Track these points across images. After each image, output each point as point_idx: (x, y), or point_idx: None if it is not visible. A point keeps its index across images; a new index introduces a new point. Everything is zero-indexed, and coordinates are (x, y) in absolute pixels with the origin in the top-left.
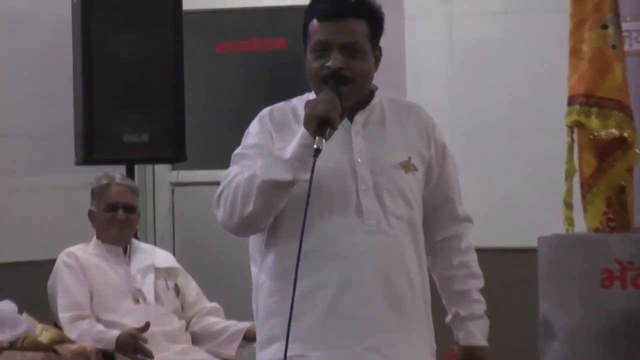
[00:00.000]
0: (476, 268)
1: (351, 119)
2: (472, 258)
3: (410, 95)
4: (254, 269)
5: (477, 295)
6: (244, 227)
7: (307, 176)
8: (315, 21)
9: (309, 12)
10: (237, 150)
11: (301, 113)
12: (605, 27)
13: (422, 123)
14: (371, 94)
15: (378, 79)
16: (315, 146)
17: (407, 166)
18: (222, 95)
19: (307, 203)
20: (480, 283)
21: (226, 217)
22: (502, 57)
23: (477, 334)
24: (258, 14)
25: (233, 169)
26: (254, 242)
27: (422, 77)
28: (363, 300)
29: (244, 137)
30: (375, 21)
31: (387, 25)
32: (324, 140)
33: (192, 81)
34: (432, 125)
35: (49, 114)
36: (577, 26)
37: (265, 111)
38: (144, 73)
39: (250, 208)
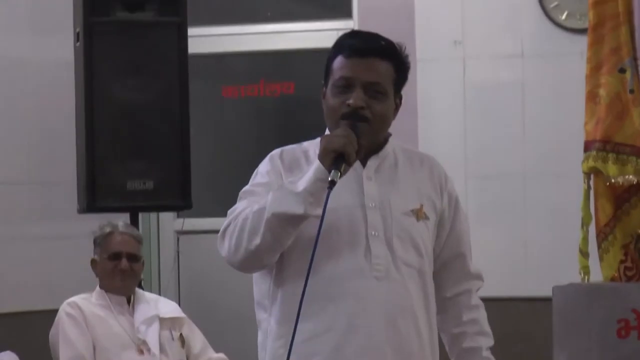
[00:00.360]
0: (486, 326)
1: (364, 164)
2: (482, 316)
3: (423, 141)
4: (262, 315)
5: (487, 354)
6: (249, 261)
7: (319, 211)
8: (341, 57)
9: (335, 48)
10: (246, 188)
11: (312, 155)
12: (623, 70)
13: (436, 174)
14: (385, 140)
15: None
16: (330, 179)
17: (418, 214)
18: (229, 141)
19: (318, 237)
20: (490, 341)
21: (231, 251)
22: (517, 102)
23: None
24: (266, 57)
25: (241, 204)
26: (261, 287)
27: (434, 122)
28: (369, 346)
29: (253, 176)
30: (402, 67)
31: None
32: (339, 174)
33: (198, 126)
34: (445, 177)
35: (50, 160)
36: (594, 70)
37: (275, 152)
38: (149, 118)
39: (257, 241)
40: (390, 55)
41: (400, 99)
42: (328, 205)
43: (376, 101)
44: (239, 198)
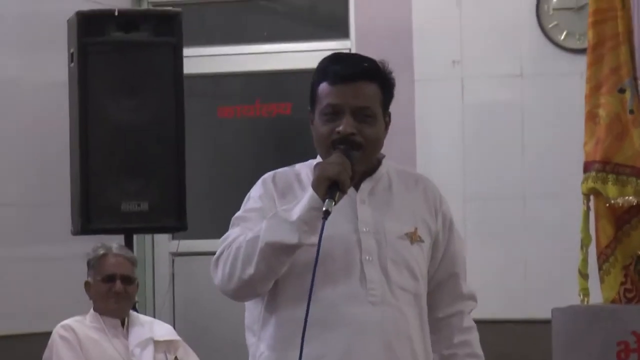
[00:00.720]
0: (478, 348)
1: (357, 187)
2: (474, 337)
3: (421, 162)
4: (251, 339)
5: None
6: (243, 290)
7: (313, 240)
8: (326, 84)
9: (319, 74)
10: (238, 213)
11: (305, 179)
12: (622, 91)
13: (430, 195)
14: (378, 162)
15: (387, 145)
16: (324, 208)
17: (413, 237)
18: (225, 162)
19: (315, 267)
20: None
21: (225, 280)
22: (516, 122)
23: None
24: (262, 78)
25: (234, 231)
26: (252, 312)
27: (433, 143)
28: None
29: (245, 201)
30: (387, 86)
31: (397, 88)
32: (333, 203)
33: (194, 147)
34: (440, 198)
35: (44, 182)
36: (594, 90)
37: (268, 175)
38: (144, 139)
39: (251, 271)
40: (375, 76)
41: (389, 116)
42: (323, 232)
43: (366, 125)
44: (231, 224)
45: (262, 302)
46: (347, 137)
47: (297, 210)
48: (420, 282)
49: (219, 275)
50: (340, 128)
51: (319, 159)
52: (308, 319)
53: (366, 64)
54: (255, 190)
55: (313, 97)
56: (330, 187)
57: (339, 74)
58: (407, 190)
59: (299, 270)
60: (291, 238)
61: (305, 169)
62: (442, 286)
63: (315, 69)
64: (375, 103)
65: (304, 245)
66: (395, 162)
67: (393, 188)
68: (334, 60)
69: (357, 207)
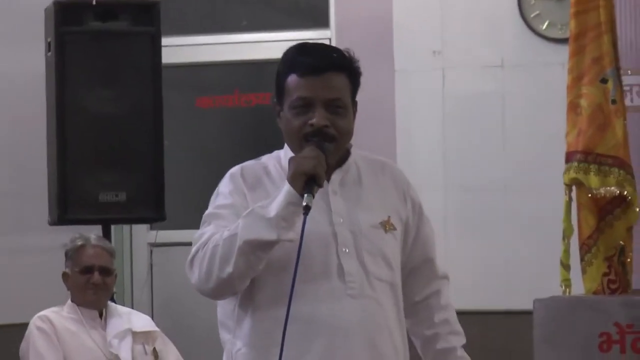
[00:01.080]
0: (458, 325)
1: (328, 178)
2: (453, 315)
3: (401, 153)
4: (226, 336)
5: (461, 353)
6: (221, 289)
7: (291, 236)
8: (295, 76)
9: (286, 66)
10: (209, 210)
11: (273, 171)
12: (604, 81)
13: (398, 181)
14: (347, 152)
15: (366, 136)
16: (305, 204)
17: (386, 226)
18: (203, 152)
19: (297, 264)
20: (462, 340)
21: (202, 280)
22: (497, 113)
23: None
24: (241, 67)
25: (208, 229)
26: (224, 308)
27: (413, 134)
28: None
29: (214, 197)
30: (355, 75)
31: (377, 78)
32: (312, 197)
33: (172, 137)
34: (407, 184)
35: (21, 172)
36: (576, 80)
37: (235, 170)
38: (121, 129)
39: (229, 269)
40: (344, 67)
41: (356, 105)
42: (296, 226)
43: (338, 117)
44: (202, 222)
45: (236, 298)
46: (320, 130)
47: (274, 206)
48: (395, 272)
49: (195, 275)
50: (314, 121)
51: (285, 150)
52: (289, 316)
53: (335, 55)
54: (224, 186)
55: (280, 90)
56: (307, 182)
57: (309, 65)
58: (375, 178)
59: (276, 265)
60: (270, 235)
61: (272, 161)
62: (416, 271)
63: (281, 60)
64: (345, 94)
65: (282, 241)
66: (374, 153)
67: (362, 177)
68: (302, 51)
69: (329, 198)
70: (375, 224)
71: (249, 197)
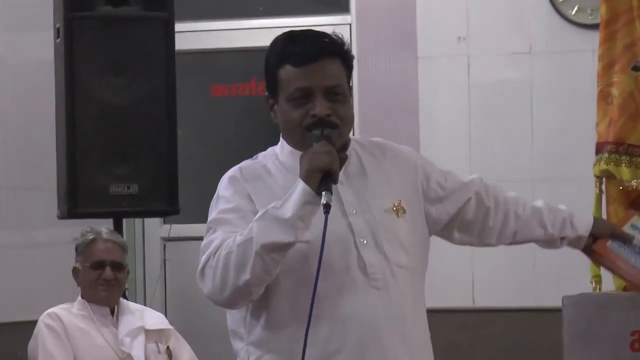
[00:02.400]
0: (527, 200)
1: None
2: (525, 200)
3: (424, 143)
4: (239, 344)
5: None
6: (238, 298)
7: (308, 236)
8: (289, 66)
9: (278, 58)
10: (213, 216)
11: (273, 170)
12: (636, 69)
13: (400, 158)
14: (347, 140)
15: (388, 125)
16: (324, 202)
17: (398, 209)
18: (219, 143)
19: (319, 266)
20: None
21: (216, 289)
22: (525, 102)
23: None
24: (257, 54)
25: (216, 236)
26: (234, 316)
27: (437, 123)
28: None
29: (215, 202)
30: (348, 59)
31: (399, 66)
32: (331, 195)
33: (186, 127)
34: (408, 153)
35: (29, 164)
36: (607, 68)
37: (234, 172)
38: (133, 119)
39: (247, 276)
40: (337, 51)
41: (351, 89)
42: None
43: (338, 104)
44: (208, 229)
45: (249, 304)
46: (322, 120)
47: (289, 206)
48: (411, 255)
49: (208, 286)
50: (316, 111)
51: (282, 145)
52: (313, 317)
53: (327, 40)
54: (225, 190)
55: (273, 82)
56: (323, 179)
57: (302, 54)
58: (377, 163)
59: (292, 267)
60: (287, 237)
61: (270, 159)
62: (465, 217)
63: (271, 51)
64: (342, 79)
65: (300, 242)
66: (397, 142)
67: (364, 164)
68: (292, 40)
69: (338, 190)
70: (387, 209)
71: (253, 197)
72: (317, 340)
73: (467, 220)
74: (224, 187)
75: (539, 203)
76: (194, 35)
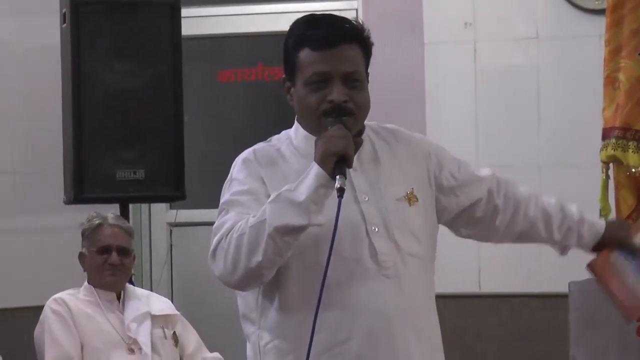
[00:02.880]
0: (546, 199)
1: None
2: (537, 199)
3: (431, 129)
4: (250, 328)
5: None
6: (249, 279)
7: (321, 220)
8: (308, 50)
9: (297, 40)
10: (226, 198)
11: (287, 153)
12: None
13: (413, 144)
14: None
15: (395, 112)
16: (338, 186)
17: (410, 198)
18: (225, 128)
19: (330, 250)
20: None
21: (228, 270)
22: (531, 87)
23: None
24: (264, 39)
25: (229, 217)
26: (246, 299)
27: (443, 109)
28: (394, 353)
29: (228, 184)
30: (367, 46)
31: (405, 51)
32: (345, 179)
33: (192, 113)
34: (422, 140)
35: (35, 149)
36: (613, 53)
37: (247, 154)
38: (140, 104)
39: (258, 258)
40: (357, 38)
41: (368, 76)
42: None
43: (356, 91)
44: (220, 210)
45: (259, 288)
46: (339, 106)
47: (303, 189)
48: (423, 244)
49: (220, 267)
50: (333, 97)
51: (296, 128)
52: (322, 302)
53: (347, 25)
54: (239, 172)
55: (291, 65)
56: (337, 163)
57: (322, 38)
58: (391, 150)
59: (303, 252)
60: (301, 220)
61: (283, 142)
62: (477, 212)
63: (290, 34)
64: (360, 66)
65: (313, 225)
66: (405, 128)
67: (377, 151)
68: (312, 24)
69: (351, 176)
70: (399, 197)
71: (266, 180)
72: (327, 327)
73: (476, 217)
74: (237, 169)
75: (551, 202)
76: (200, 20)
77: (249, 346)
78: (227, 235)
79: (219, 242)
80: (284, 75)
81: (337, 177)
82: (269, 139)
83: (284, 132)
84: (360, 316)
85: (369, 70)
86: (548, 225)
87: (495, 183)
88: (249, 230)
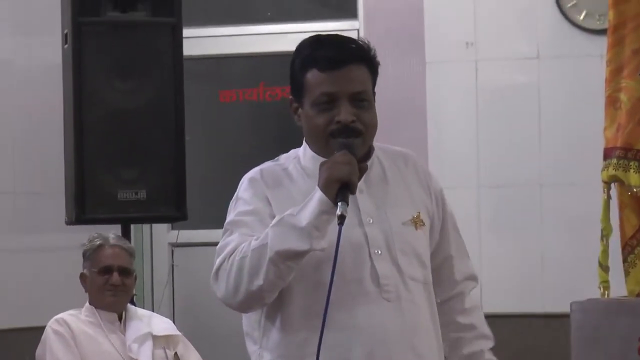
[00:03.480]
0: (485, 328)
1: None
2: (479, 318)
3: (432, 149)
4: (252, 347)
5: (489, 356)
6: (250, 302)
7: (323, 245)
8: (315, 71)
9: (304, 61)
10: (231, 218)
11: (294, 173)
12: None
13: (421, 173)
14: (370, 147)
15: (396, 131)
16: (339, 213)
17: (417, 222)
18: (227, 148)
19: (332, 276)
20: (490, 343)
21: (229, 293)
22: (532, 106)
23: None
24: (266, 59)
25: (232, 239)
26: (249, 319)
27: (445, 128)
28: None
29: (234, 203)
30: (374, 66)
31: (407, 71)
32: (347, 206)
33: (194, 133)
34: (429, 176)
35: (37, 169)
36: (615, 73)
37: (254, 173)
38: (141, 124)
39: (260, 281)
40: (364, 57)
41: (375, 95)
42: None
43: (363, 111)
44: (224, 231)
45: (262, 309)
46: (347, 126)
47: (306, 214)
48: (427, 269)
49: (222, 289)
50: (341, 117)
51: (304, 149)
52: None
53: (354, 45)
54: (245, 192)
55: (298, 86)
56: (340, 189)
57: (330, 59)
58: (400, 173)
59: (306, 274)
60: (302, 245)
61: (291, 162)
62: (439, 270)
63: (296, 55)
64: (367, 85)
65: (314, 251)
66: (405, 148)
67: (387, 173)
68: (319, 44)
69: (356, 198)
70: (405, 221)
71: (272, 201)
72: (326, 348)
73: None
74: (243, 188)
75: (485, 347)
76: (201, 40)
77: None
78: (229, 257)
79: (221, 264)
80: (290, 96)
81: (339, 204)
82: (277, 158)
83: (292, 151)
84: (360, 338)
85: (375, 91)
86: (453, 356)
87: (463, 294)
88: (251, 253)
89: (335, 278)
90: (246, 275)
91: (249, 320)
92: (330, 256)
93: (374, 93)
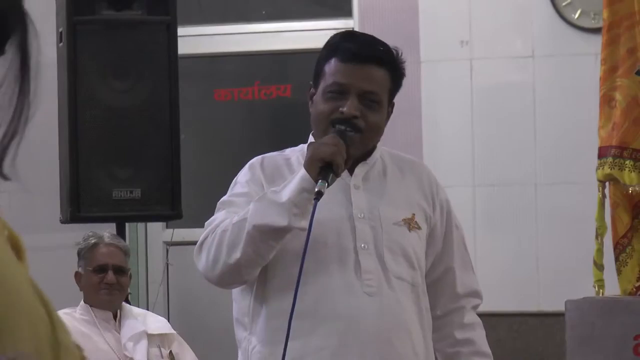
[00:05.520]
0: (484, 346)
1: (351, 172)
2: (479, 334)
3: (427, 146)
4: (242, 333)
5: None
6: (228, 276)
7: (304, 224)
8: (336, 60)
9: (329, 50)
10: (224, 198)
11: (295, 164)
12: None
13: (426, 182)
14: (373, 147)
15: (391, 130)
16: (317, 189)
17: (410, 223)
18: (222, 147)
19: (304, 252)
20: None
21: (209, 265)
22: (527, 105)
23: None
24: (261, 58)
25: (219, 215)
26: (240, 304)
27: (440, 127)
28: None
29: (232, 186)
30: (398, 76)
31: None
32: (326, 184)
33: (189, 132)
34: (437, 186)
35: (31, 167)
36: (610, 72)
37: (256, 160)
38: (136, 123)
39: (237, 255)
40: (388, 63)
41: (393, 107)
42: (315, 217)
43: (370, 111)
44: (217, 209)
45: (251, 293)
46: (349, 119)
47: (286, 191)
48: (417, 271)
49: (203, 261)
50: (345, 109)
51: (309, 141)
52: (301, 311)
53: (381, 48)
54: (243, 175)
55: (318, 73)
56: (323, 169)
57: (352, 52)
58: (402, 176)
59: (289, 258)
60: (280, 220)
61: (295, 154)
62: (439, 282)
63: (325, 44)
64: (383, 90)
65: (293, 229)
66: (399, 148)
67: (388, 173)
68: (348, 38)
69: (351, 192)
70: (398, 221)
71: (266, 188)
72: (301, 335)
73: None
74: (243, 173)
75: None
76: (196, 39)
77: (240, 352)
78: (213, 231)
79: (205, 238)
80: (311, 82)
81: (319, 181)
82: (283, 150)
83: (300, 145)
84: (335, 329)
85: (394, 102)
86: None
87: (465, 310)
88: (232, 227)
89: (317, 264)
90: (225, 249)
91: (239, 306)
92: (317, 246)
93: (391, 102)
